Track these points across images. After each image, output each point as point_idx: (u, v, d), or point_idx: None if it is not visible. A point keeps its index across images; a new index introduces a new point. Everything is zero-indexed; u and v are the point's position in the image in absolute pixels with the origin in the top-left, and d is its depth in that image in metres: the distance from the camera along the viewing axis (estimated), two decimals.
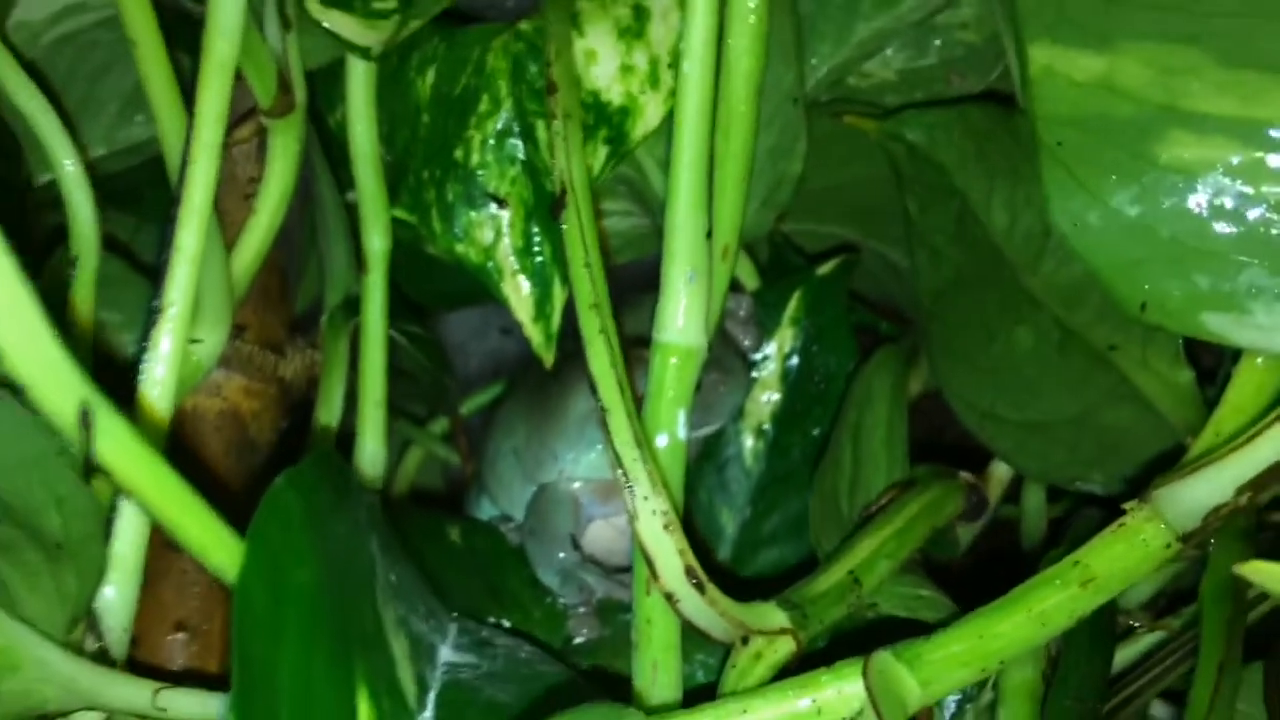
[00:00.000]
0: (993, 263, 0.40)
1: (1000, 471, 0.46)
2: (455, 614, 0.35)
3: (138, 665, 0.35)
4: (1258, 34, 0.28)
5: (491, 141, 0.40)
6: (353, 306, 0.44)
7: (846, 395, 0.43)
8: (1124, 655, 0.40)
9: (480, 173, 0.40)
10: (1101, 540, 0.30)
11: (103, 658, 0.33)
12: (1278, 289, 0.29)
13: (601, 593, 0.42)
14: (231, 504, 0.28)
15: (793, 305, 0.45)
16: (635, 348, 0.37)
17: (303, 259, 0.48)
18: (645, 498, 0.32)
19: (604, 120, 0.39)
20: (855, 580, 0.35)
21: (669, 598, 0.32)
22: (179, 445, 0.39)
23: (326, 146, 0.44)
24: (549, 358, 0.40)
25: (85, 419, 0.20)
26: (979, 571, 0.45)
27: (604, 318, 0.33)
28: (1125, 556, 0.30)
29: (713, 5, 0.33)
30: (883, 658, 0.29)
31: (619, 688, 0.34)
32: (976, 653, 0.30)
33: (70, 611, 0.32)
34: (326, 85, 0.43)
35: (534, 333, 0.40)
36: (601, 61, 0.39)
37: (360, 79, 0.41)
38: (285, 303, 0.45)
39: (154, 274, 0.43)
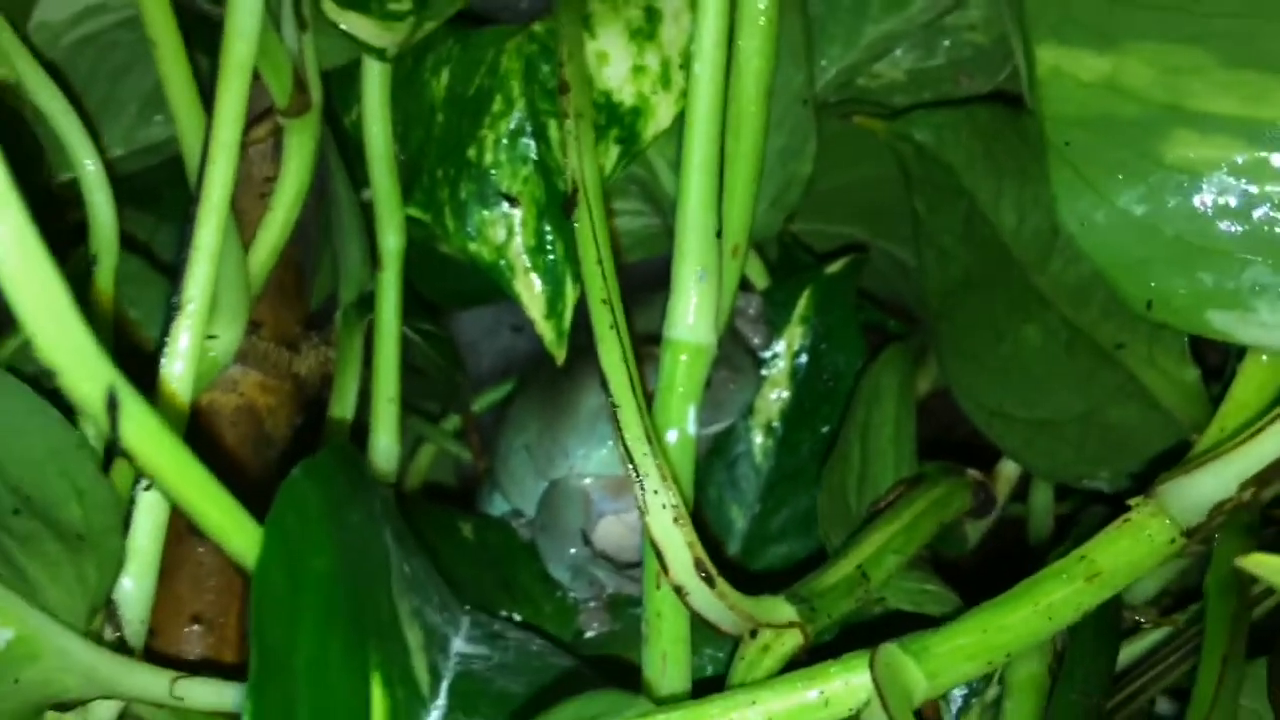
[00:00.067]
0: (1001, 262, 0.41)
1: (1008, 469, 0.46)
2: (468, 607, 0.36)
3: (155, 656, 0.35)
4: (1260, 35, 0.29)
5: (505, 141, 0.40)
6: (367, 304, 0.45)
7: (855, 393, 0.44)
8: (1130, 652, 0.40)
9: (493, 172, 0.40)
10: (1107, 535, 0.30)
11: (121, 648, 0.33)
12: None
13: (612, 588, 0.43)
14: (247, 497, 0.28)
15: (802, 304, 0.45)
16: (646, 345, 0.37)
17: (317, 256, 0.48)
18: (655, 492, 0.32)
19: (616, 120, 0.40)
20: (863, 575, 0.35)
21: (679, 591, 0.32)
22: (196, 439, 0.40)
23: (342, 146, 0.45)
24: (560, 355, 0.41)
25: (111, 403, 0.21)
26: (986, 569, 0.46)
27: (615, 314, 0.34)
28: (1130, 551, 0.30)
29: (723, 7, 0.34)
30: (890, 650, 0.30)
31: (629, 679, 0.35)
32: (983, 646, 0.30)
33: (90, 602, 0.32)
34: (342, 86, 0.44)
35: (546, 330, 0.41)
36: (613, 62, 0.40)
37: (375, 79, 0.41)
38: (300, 300, 0.46)
39: (172, 272, 0.44)
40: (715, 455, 0.45)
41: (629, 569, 0.44)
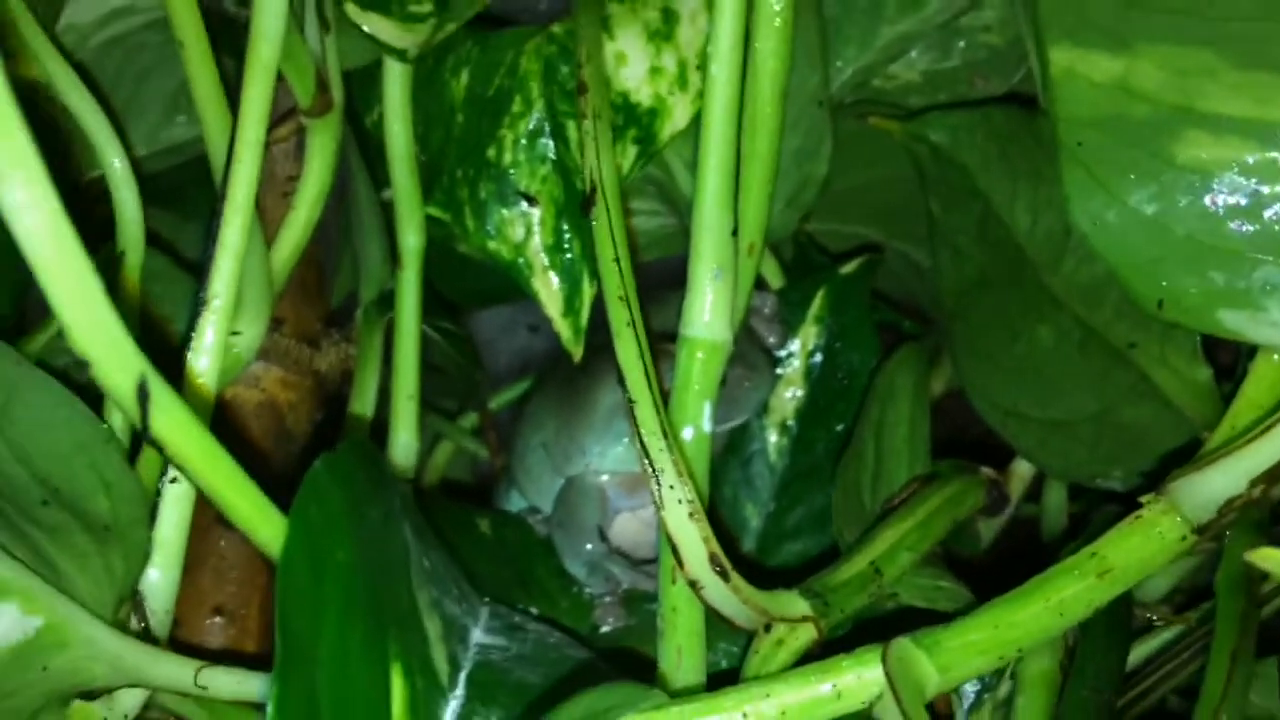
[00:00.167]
0: (1015, 262, 0.41)
1: (1022, 469, 0.46)
2: (486, 599, 0.36)
3: (178, 646, 0.36)
4: (1272, 38, 0.29)
5: (523, 141, 0.41)
6: (387, 302, 0.45)
7: (869, 392, 0.44)
8: (1141, 650, 0.41)
9: (512, 171, 0.41)
10: (1118, 532, 0.31)
11: (146, 637, 0.34)
12: None
13: (627, 583, 0.43)
14: (270, 491, 0.29)
15: (817, 303, 0.46)
16: (662, 343, 0.38)
17: (338, 255, 0.49)
18: (671, 487, 0.32)
19: (633, 121, 0.40)
20: (876, 570, 0.36)
21: (694, 585, 0.33)
22: (219, 433, 0.40)
23: (363, 145, 0.45)
24: (577, 352, 0.41)
25: (143, 394, 0.21)
26: (1000, 567, 0.46)
27: (632, 311, 0.34)
28: (1141, 548, 0.30)
29: (740, 9, 0.34)
30: (902, 644, 0.30)
31: (644, 673, 0.35)
32: (994, 641, 0.30)
33: (117, 592, 0.33)
34: (363, 86, 0.44)
35: (563, 327, 0.41)
36: (631, 63, 0.40)
37: (396, 80, 0.42)
38: (321, 297, 0.46)
39: (196, 269, 0.45)
40: (730, 454, 0.45)
41: (644, 565, 0.44)
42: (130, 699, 0.33)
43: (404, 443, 0.44)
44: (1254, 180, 0.29)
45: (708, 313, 0.35)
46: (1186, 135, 0.30)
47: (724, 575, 0.32)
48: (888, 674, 0.29)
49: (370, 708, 0.27)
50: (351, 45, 0.41)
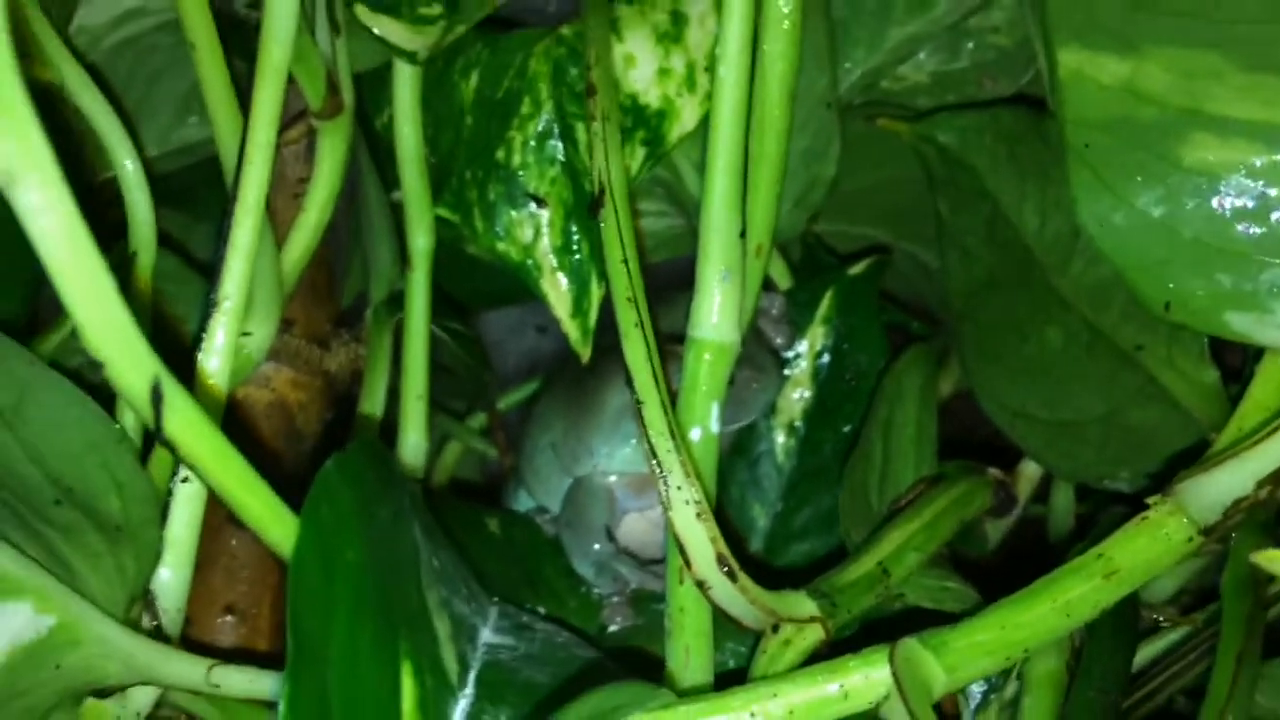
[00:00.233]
0: (1023, 264, 0.41)
1: (1030, 470, 0.46)
2: (495, 598, 0.37)
3: (189, 645, 0.36)
4: (1279, 40, 0.29)
5: (532, 143, 0.41)
6: (396, 302, 0.45)
7: (877, 393, 0.44)
8: (1148, 651, 0.41)
9: (521, 173, 0.41)
10: (1125, 533, 0.31)
11: (158, 636, 0.34)
12: None
13: (635, 583, 0.43)
14: (280, 491, 0.29)
15: (824, 304, 0.46)
16: (669, 344, 0.38)
17: (348, 256, 0.49)
18: (679, 487, 0.32)
19: (642, 122, 0.40)
20: (884, 571, 0.36)
21: (701, 585, 0.33)
22: (230, 433, 0.40)
23: (373, 147, 0.46)
24: (585, 353, 0.41)
25: (156, 394, 0.21)
26: (1007, 568, 0.46)
27: (640, 312, 0.34)
28: (1148, 549, 0.30)
29: (748, 11, 0.34)
30: (909, 645, 0.30)
31: (652, 672, 0.35)
32: (1001, 642, 0.30)
33: (129, 591, 0.33)
34: (373, 88, 0.45)
35: (571, 328, 0.41)
36: (640, 65, 0.40)
37: (406, 82, 0.42)
38: (331, 298, 0.46)
39: (207, 270, 0.45)
40: (738, 455, 0.46)
41: (652, 565, 0.44)
42: (142, 697, 0.34)
43: (413, 443, 0.44)
44: (1261, 183, 0.29)
45: (715, 314, 0.35)
46: (1193, 138, 0.30)
47: (731, 576, 0.32)
48: (895, 674, 0.29)
49: (381, 706, 0.27)
50: (362, 48, 0.41)
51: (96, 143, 0.39)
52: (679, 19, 0.40)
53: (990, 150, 0.41)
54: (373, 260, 0.47)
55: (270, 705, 0.34)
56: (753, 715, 0.29)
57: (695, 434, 0.35)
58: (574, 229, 0.41)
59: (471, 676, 0.32)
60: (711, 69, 0.39)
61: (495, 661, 0.33)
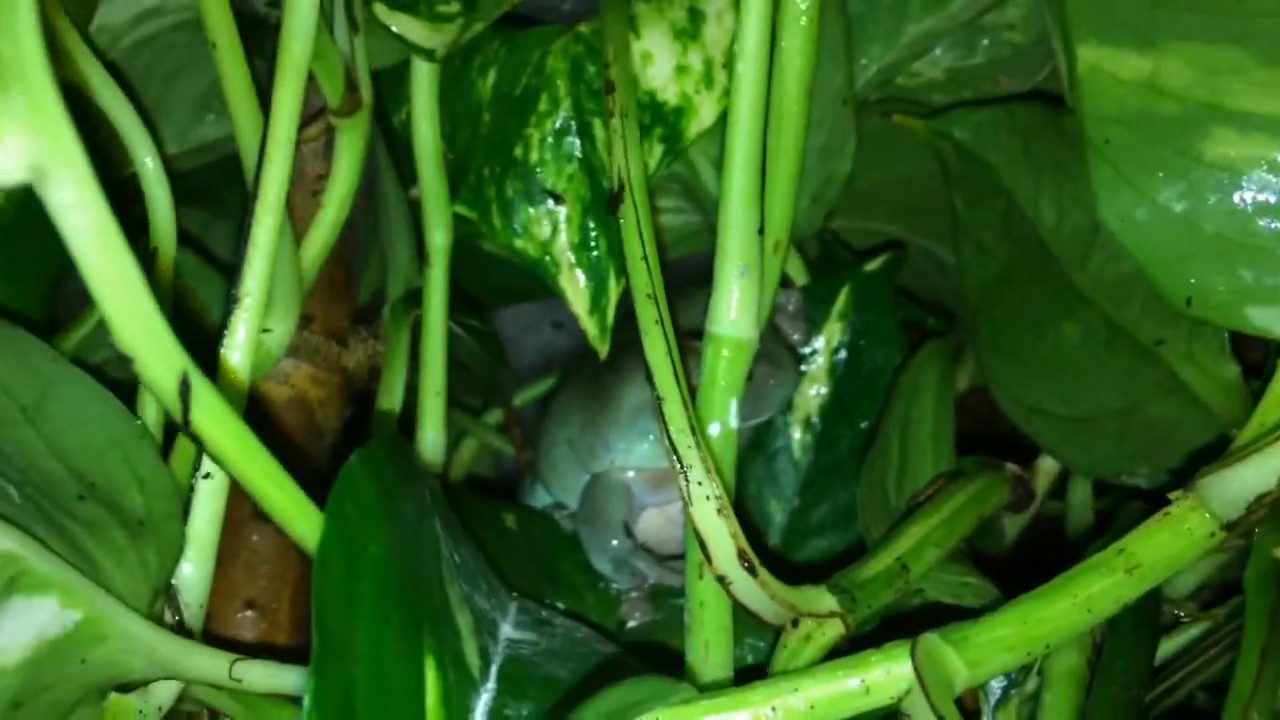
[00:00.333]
0: (1040, 259, 0.41)
1: (1047, 465, 0.46)
2: (515, 594, 0.37)
3: (210, 639, 0.36)
4: None
5: (550, 140, 0.41)
6: (414, 299, 0.45)
7: (894, 389, 0.44)
8: (1169, 646, 0.41)
9: (539, 170, 0.41)
10: (1147, 528, 0.31)
11: (181, 631, 0.34)
12: None
13: (653, 579, 0.43)
14: (302, 486, 0.29)
15: (841, 300, 0.46)
16: (688, 340, 0.38)
17: (366, 253, 0.49)
18: (699, 483, 0.33)
19: (660, 119, 0.40)
20: (903, 566, 0.36)
21: (721, 580, 0.33)
22: (252, 429, 0.41)
23: (391, 144, 0.46)
24: (603, 349, 0.42)
25: (184, 388, 0.22)
26: (1025, 564, 0.46)
27: (660, 308, 0.34)
28: (1170, 544, 0.30)
29: (766, 8, 0.34)
30: (930, 640, 0.30)
31: (672, 668, 0.35)
32: (1022, 637, 0.30)
33: (152, 586, 0.33)
34: (392, 86, 0.45)
35: (589, 325, 0.41)
36: (658, 62, 0.40)
37: (424, 80, 0.42)
38: (349, 295, 0.47)
39: (226, 267, 0.45)
40: (755, 450, 0.46)
41: (670, 561, 0.44)
42: (165, 691, 0.34)
43: (431, 439, 0.44)
44: None
45: (734, 310, 0.35)
46: (1214, 133, 0.30)
47: (752, 571, 0.33)
48: (916, 669, 0.29)
49: (405, 700, 0.28)
50: (380, 45, 0.41)
51: (116, 140, 0.39)
52: (697, 16, 0.40)
53: (1006, 145, 0.41)
54: (390, 257, 0.47)
55: (291, 699, 0.34)
56: (774, 710, 0.29)
57: (714, 430, 0.35)
58: (591, 225, 0.41)
59: (493, 671, 0.32)
60: (729, 66, 0.39)
61: (516, 656, 0.33)
